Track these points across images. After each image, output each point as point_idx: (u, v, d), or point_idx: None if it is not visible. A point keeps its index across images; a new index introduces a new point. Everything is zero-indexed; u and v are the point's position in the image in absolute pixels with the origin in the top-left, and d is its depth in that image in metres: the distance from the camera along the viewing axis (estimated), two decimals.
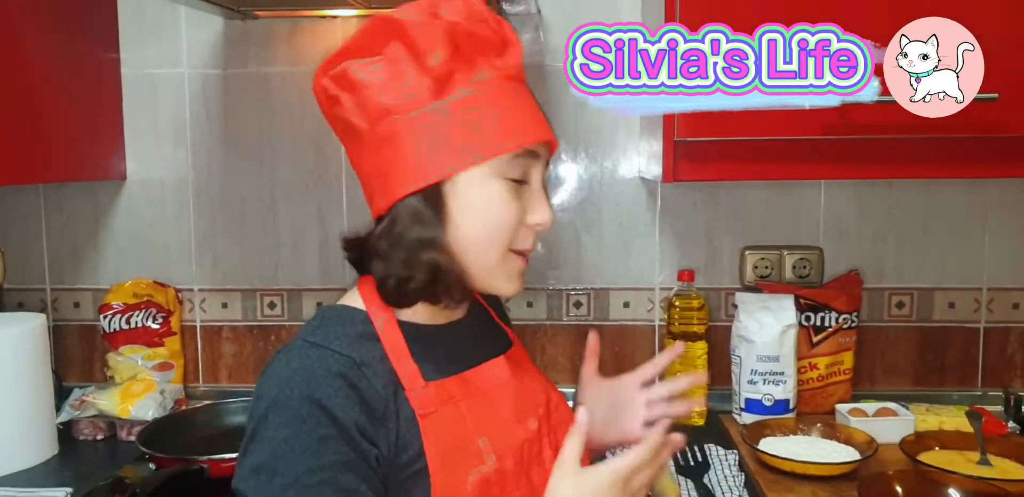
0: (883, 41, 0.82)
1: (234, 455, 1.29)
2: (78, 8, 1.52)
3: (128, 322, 1.63)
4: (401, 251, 0.79)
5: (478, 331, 0.93)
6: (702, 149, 1.30)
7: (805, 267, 1.62)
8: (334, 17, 1.61)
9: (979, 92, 1.18)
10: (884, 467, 1.27)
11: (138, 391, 1.55)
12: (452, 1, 0.80)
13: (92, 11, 1.57)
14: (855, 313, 1.55)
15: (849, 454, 1.32)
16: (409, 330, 0.83)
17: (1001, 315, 1.63)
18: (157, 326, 1.64)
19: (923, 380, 1.65)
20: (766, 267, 1.62)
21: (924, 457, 1.29)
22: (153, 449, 1.33)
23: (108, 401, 1.53)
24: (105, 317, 1.63)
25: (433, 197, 0.78)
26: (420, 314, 0.85)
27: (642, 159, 1.59)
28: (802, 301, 1.53)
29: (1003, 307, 1.63)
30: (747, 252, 1.63)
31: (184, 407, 1.60)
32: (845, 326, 1.54)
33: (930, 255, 1.62)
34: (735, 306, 1.53)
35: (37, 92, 1.39)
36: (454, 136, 0.78)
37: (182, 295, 1.69)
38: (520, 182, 0.81)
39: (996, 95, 1.18)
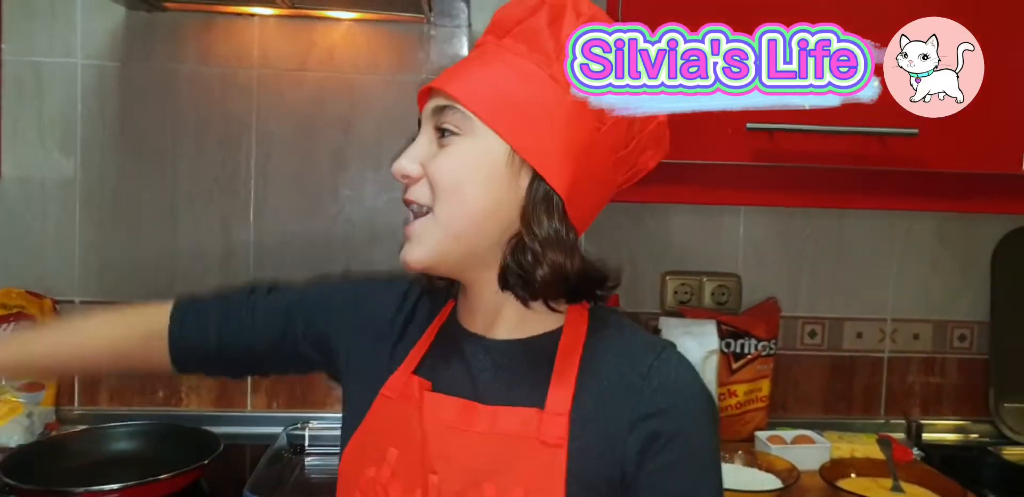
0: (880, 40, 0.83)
1: (114, 486, 1.16)
2: None
3: None
4: None
5: (506, 364, 0.78)
6: None
7: (724, 294, 1.62)
8: (252, 15, 1.51)
9: (903, 127, 1.23)
10: (805, 494, 1.27)
11: (1, 414, 1.37)
12: None
13: None
14: (773, 341, 1.56)
15: (771, 482, 1.31)
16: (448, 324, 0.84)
17: (903, 345, 1.68)
18: None
19: (832, 408, 1.67)
20: (686, 293, 1.62)
21: (843, 484, 1.30)
22: (18, 480, 1.18)
23: None
24: None
25: None
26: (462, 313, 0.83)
27: None
28: (723, 327, 1.53)
29: (905, 337, 1.68)
30: (668, 277, 1.62)
31: (55, 432, 1.43)
32: (763, 353, 1.55)
33: (841, 285, 1.66)
34: (658, 330, 1.51)
35: None
36: None
37: (60, 307, 1.52)
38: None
39: (916, 130, 1.23)
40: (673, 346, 0.77)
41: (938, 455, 1.53)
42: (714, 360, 1.47)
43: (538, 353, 0.76)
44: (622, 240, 1.61)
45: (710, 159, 1.29)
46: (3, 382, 1.45)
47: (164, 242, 1.53)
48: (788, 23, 0.81)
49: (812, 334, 1.66)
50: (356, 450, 0.81)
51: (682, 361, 0.76)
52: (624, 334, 0.78)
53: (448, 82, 0.74)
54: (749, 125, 1.24)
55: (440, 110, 0.74)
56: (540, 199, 0.73)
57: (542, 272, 0.72)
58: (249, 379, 1.56)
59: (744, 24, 0.75)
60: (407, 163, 0.74)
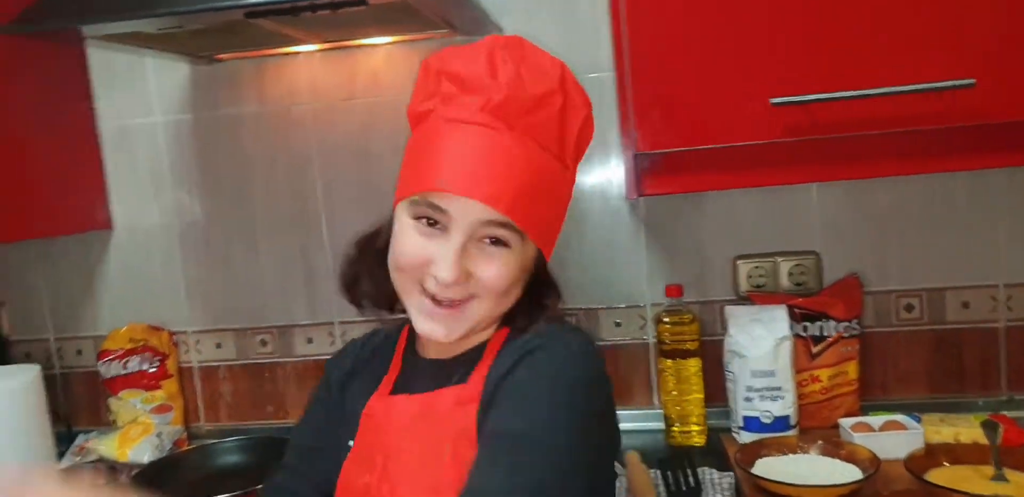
0: None
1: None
2: (50, 63, 1.56)
3: (125, 367, 1.65)
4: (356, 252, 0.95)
5: (436, 370, 0.91)
6: (665, 161, 1.25)
7: (802, 273, 1.53)
8: (296, 53, 1.60)
9: (955, 78, 1.11)
10: (888, 486, 1.18)
11: (135, 435, 1.57)
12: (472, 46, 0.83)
13: (64, 65, 1.61)
14: (856, 320, 1.46)
15: (851, 473, 1.23)
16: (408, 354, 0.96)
17: (1022, 312, 1.51)
18: (153, 369, 1.66)
19: (940, 387, 1.54)
20: (760, 276, 1.55)
21: (933, 474, 1.19)
22: (148, 491, 1.34)
23: (107, 446, 1.56)
24: (103, 363, 1.66)
25: (390, 217, 0.88)
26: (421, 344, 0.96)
27: (620, 174, 1.55)
28: (797, 311, 1.45)
29: (1023, 304, 1.51)
30: (739, 261, 1.55)
31: (183, 448, 1.62)
32: (846, 334, 1.45)
33: (938, 252, 1.51)
34: (725, 320, 1.46)
35: (16, 149, 1.43)
36: (403, 167, 0.85)
37: (177, 337, 1.71)
38: (437, 227, 0.81)
39: (973, 81, 1.11)
40: (563, 339, 0.84)
41: None
42: (787, 346, 1.39)
43: (475, 357, 0.89)
44: (684, 229, 1.56)
45: (741, 141, 1.22)
46: (139, 406, 1.66)
47: (252, 272, 1.68)
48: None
49: (909, 308, 1.53)
50: (352, 463, 0.92)
51: (566, 346, 0.83)
52: (538, 332, 0.86)
53: (499, 200, 0.77)
54: (773, 101, 1.17)
55: (494, 224, 0.79)
56: (539, 267, 0.87)
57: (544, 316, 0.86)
58: None
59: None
60: (458, 272, 0.79)
